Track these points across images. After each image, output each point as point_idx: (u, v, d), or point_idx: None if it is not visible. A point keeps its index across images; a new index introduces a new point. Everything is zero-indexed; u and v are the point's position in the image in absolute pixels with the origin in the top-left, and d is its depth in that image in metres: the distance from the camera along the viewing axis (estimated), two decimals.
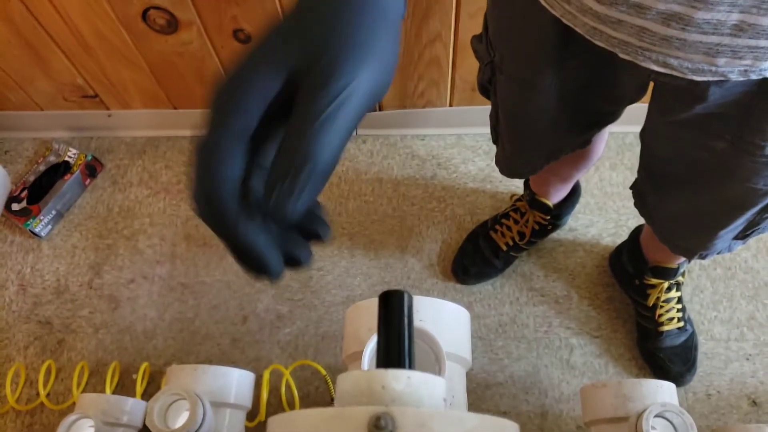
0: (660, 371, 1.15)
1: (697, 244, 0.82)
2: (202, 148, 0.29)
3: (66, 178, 1.42)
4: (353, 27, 0.30)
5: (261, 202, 0.29)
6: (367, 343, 0.53)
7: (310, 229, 0.32)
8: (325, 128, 0.28)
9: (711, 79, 0.49)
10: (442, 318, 0.65)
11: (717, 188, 0.68)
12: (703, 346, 1.20)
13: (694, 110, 0.58)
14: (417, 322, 0.61)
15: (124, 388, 1.24)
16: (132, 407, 1.01)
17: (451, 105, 1.40)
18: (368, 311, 0.69)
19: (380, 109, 1.43)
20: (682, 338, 1.16)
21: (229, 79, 0.30)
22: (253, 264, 0.31)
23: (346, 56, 0.29)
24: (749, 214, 0.70)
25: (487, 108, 0.87)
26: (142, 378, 1.21)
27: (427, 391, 0.29)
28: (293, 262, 0.32)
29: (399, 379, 0.29)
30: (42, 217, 1.39)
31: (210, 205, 0.29)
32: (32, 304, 1.35)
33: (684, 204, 0.77)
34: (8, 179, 1.39)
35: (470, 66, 1.25)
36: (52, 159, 1.47)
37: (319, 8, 0.31)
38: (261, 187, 0.30)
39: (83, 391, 1.23)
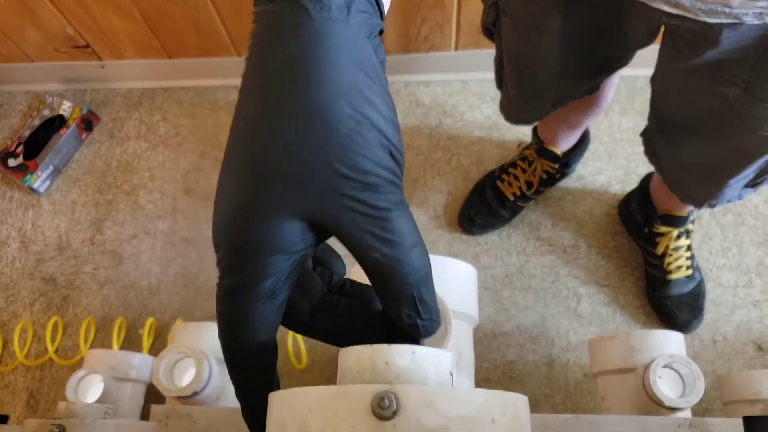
0: (667, 319, 1.15)
1: (706, 193, 0.81)
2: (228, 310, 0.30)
3: (61, 132, 1.39)
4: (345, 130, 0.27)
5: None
6: None
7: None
8: (403, 263, 0.27)
9: (724, 21, 0.47)
10: (448, 276, 0.63)
11: (728, 137, 0.67)
12: (711, 293, 1.19)
13: (705, 56, 0.56)
14: None
15: (131, 343, 1.25)
16: (140, 362, 1.02)
17: (456, 49, 1.35)
18: None
19: None
20: (690, 286, 1.15)
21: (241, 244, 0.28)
22: None
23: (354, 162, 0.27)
24: (760, 162, 0.69)
25: (494, 52, 0.83)
26: (149, 333, 1.22)
27: (432, 365, 0.28)
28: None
29: (403, 354, 0.27)
30: (39, 173, 1.37)
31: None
32: (35, 260, 1.35)
33: (694, 153, 0.75)
34: None
35: (476, 7, 1.19)
36: (47, 113, 1.43)
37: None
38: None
39: (91, 346, 1.24)
